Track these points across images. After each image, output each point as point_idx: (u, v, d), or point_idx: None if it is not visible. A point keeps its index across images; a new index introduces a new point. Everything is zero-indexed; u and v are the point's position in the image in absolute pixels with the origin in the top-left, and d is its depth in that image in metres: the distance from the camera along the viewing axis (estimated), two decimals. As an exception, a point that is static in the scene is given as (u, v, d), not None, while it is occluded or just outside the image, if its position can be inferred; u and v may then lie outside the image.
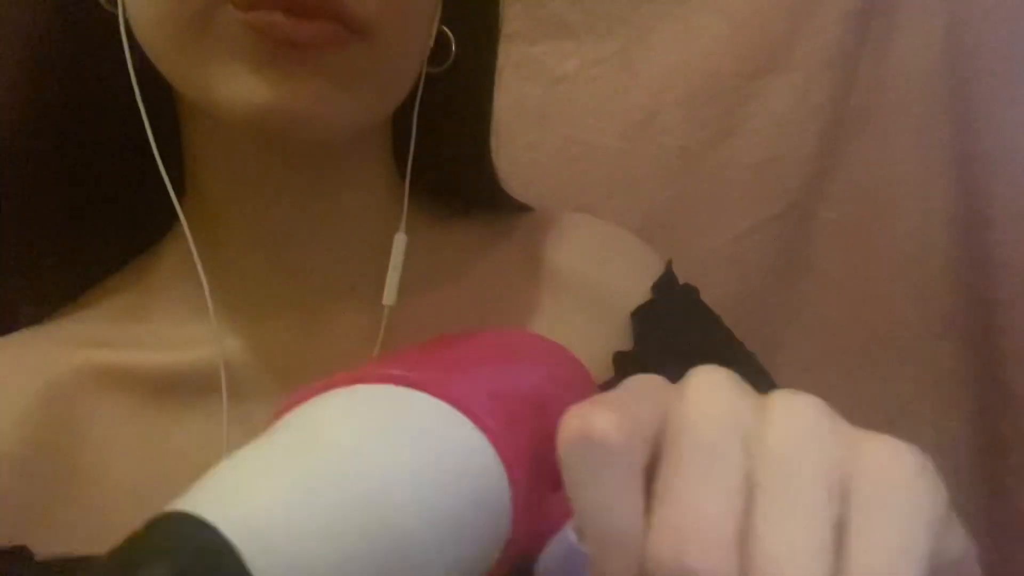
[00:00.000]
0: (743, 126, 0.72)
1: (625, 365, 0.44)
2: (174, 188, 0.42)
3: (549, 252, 0.48)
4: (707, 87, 0.72)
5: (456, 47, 0.42)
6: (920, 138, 0.73)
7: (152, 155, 0.38)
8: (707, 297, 0.50)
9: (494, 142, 0.48)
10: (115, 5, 0.36)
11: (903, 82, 0.72)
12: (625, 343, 0.45)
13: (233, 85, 0.33)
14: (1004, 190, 0.71)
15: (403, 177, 0.43)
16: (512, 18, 0.68)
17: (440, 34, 0.41)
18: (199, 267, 0.39)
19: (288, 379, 0.40)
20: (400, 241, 0.42)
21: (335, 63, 0.33)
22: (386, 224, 0.42)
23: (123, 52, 0.36)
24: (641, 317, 0.46)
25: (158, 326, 0.42)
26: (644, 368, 0.41)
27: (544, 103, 0.71)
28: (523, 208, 0.50)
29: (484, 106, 0.48)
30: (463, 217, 0.48)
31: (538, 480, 0.26)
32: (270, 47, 0.32)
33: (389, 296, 0.41)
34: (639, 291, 0.47)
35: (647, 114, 0.72)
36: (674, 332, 0.46)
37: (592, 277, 0.47)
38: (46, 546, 0.36)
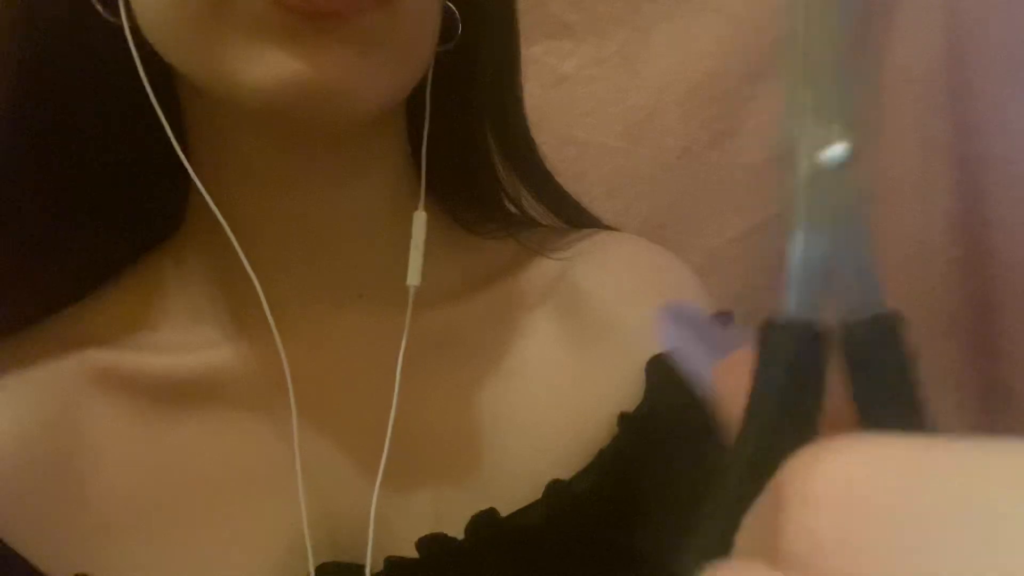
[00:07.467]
0: (743, 126, 0.72)
1: (630, 427, 0.40)
2: (179, 190, 0.41)
3: (581, 281, 0.44)
4: (707, 87, 0.72)
5: (467, 27, 0.40)
6: (920, 138, 0.72)
7: (157, 154, 0.37)
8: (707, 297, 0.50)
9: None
10: (117, 15, 0.35)
11: (903, 82, 0.72)
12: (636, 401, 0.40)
13: (260, 64, 0.31)
14: (1005, 191, 0.71)
15: (417, 180, 0.42)
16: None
17: (449, 14, 0.39)
18: (243, 258, 0.37)
19: (297, 390, 0.38)
20: (420, 219, 0.40)
21: (359, 31, 0.32)
22: (398, 223, 0.41)
23: (124, 55, 0.35)
24: (656, 369, 0.40)
25: (161, 329, 0.41)
26: (649, 432, 0.39)
27: (544, 103, 0.70)
28: (565, 226, 0.48)
29: (501, 99, 0.46)
30: (491, 236, 0.46)
31: None
32: (294, 21, 0.31)
33: (413, 276, 0.39)
34: None
35: (647, 114, 0.72)
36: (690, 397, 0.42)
37: (620, 319, 0.42)
38: (40, 551, 0.35)
